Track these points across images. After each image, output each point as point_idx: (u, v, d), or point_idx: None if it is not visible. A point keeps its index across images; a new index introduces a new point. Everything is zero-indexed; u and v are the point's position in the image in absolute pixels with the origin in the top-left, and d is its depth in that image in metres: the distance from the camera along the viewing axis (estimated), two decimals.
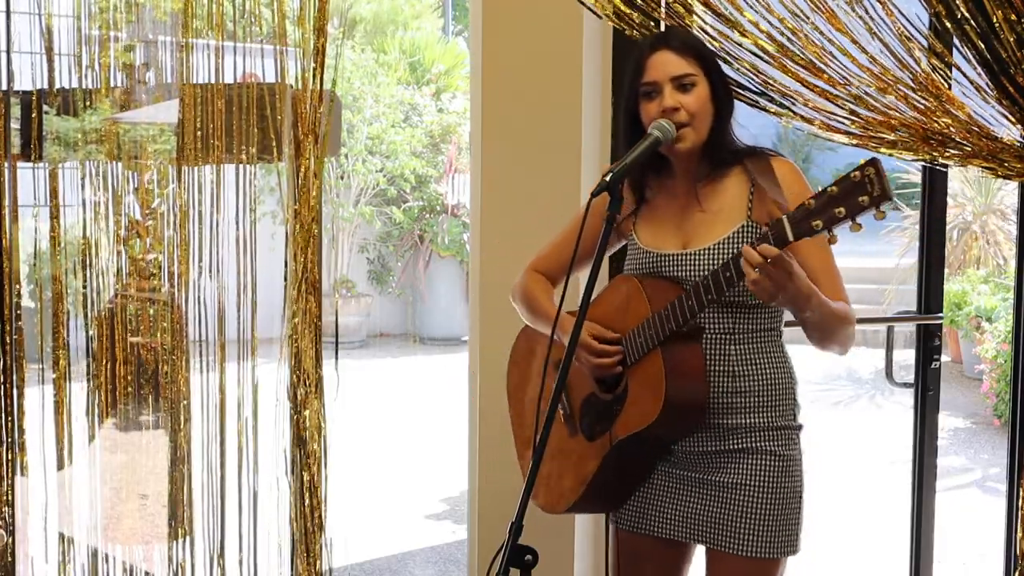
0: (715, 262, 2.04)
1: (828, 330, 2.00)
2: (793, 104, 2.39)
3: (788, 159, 2.10)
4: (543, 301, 2.26)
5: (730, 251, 2.03)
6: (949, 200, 3.89)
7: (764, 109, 2.43)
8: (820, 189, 1.78)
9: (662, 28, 2.47)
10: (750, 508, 2.06)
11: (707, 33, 2.40)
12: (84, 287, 2.77)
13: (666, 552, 2.18)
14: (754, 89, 2.41)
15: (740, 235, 2.05)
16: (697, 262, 2.06)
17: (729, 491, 2.07)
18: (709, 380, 2.05)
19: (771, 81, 2.38)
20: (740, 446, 2.07)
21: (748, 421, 2.07)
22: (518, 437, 2.36)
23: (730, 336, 2.06)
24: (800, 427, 2.13)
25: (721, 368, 2.06)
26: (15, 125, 2.68)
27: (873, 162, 1.72)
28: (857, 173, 1.72)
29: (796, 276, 1.86)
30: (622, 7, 2.48)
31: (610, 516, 2.24)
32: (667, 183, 2.15)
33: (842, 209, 1.73)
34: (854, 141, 2.37)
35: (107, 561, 2.86)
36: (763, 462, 2.06)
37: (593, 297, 1.94)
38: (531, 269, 2.33)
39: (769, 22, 2.34)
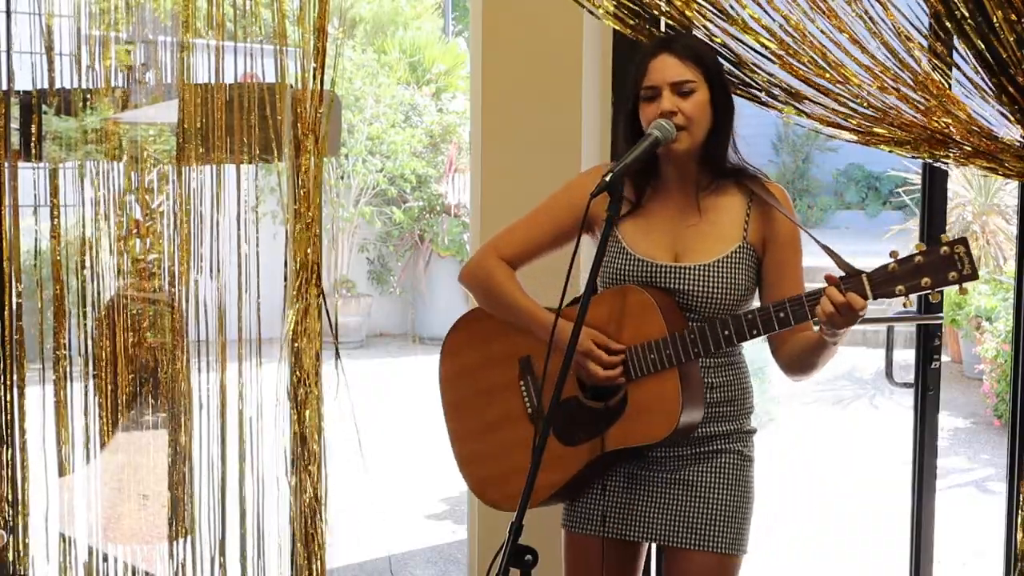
0: (712, 280, 2.06)
1: (822, 363, 2.06)
2: (794, 101, 2.39)
3: (778, 184, 2.18)
4: (513, 290, 2.19)
5: (728, 272, 2.07)
6: (949, 200, 3.88)
7: (767, 105, 2.42)
8: (903, 255, 1.87)
9: (661, 25, 2.47)
10: (717, 505, 2.10)
11: (707, 30, 2.39)
12: (84, 287, 2.77)
13: (619, 553, 2.19)
14: (757, 86, 2.41)
15: (737, 256, 2.08)
16: (694, 278, 2.07)
17: (697, 489, 2.11)
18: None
19: (773, 78, 2.37)
20: (709, 449, 2.12)
21: (719, 429, 2.12)
22: (462, 427, 2.30)
23: None
24: (754, 430, 2.20)
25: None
26: (15, 125, 2.68)
27: (963, 241, 1.83)
28: (947, 249, 1.83)
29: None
30: (620, 4, 2.48)
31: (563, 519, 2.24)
32: (660, 189, 2.15)
33: (928, 280, 1.84)
34: (855, 137, 2.37)
35: (107, 561, 2.86)
36: (731, 461, 2.13)
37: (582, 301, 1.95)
38: (493, 254, 2.24)
39: (771, 17, 2.33)
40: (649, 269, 2.09)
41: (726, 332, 1.99)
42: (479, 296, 2.25)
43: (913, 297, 1.91)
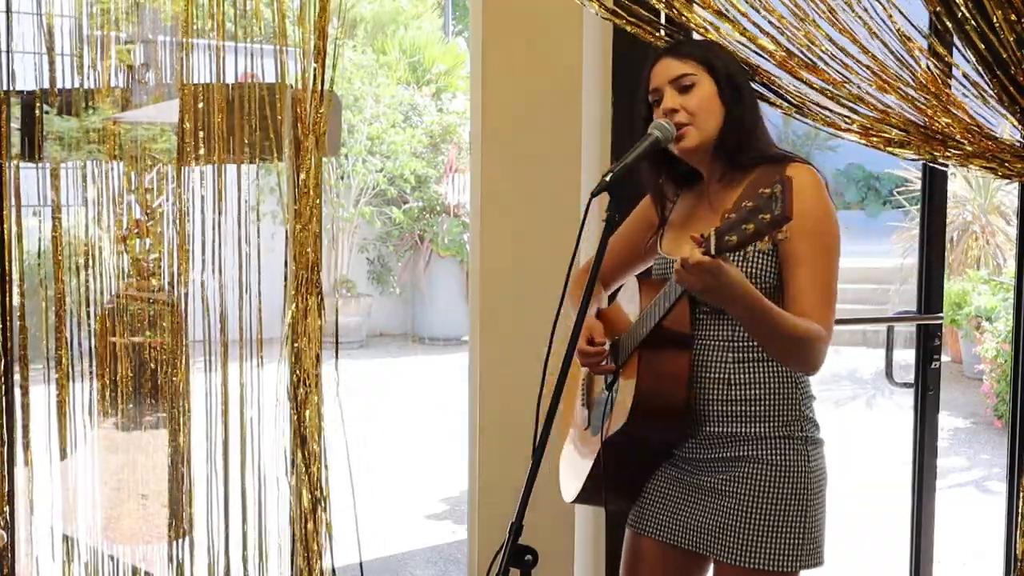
0: None
1: (774, 345, 1.95)
2: (794, 101, 2.39)
3: (810, 167, 1.99)
4: (577, 298, 2.26)
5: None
6: (949, 200, 3.89)
7: (768, 104, 2.42)
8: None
9: (662, 20, 2.48)
10: (745, 518, 2.03)
11: (706, 30, 2.40)
12: (85, 287, 2.77)
13: (672, 558, 2.16)
14: (757, 85, 2.41)
15: None
16: None
17: (726, 499, 2.05)
18: (694, 388, 2.03)
19: (773, 78, 2.38)
20: (737, 454, 2.04)
21: (745, 430, 2.04)
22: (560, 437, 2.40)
23: (727, 344, 2.04)
24: (807, 438, 2.06)
25: (717, 376, 2.04)
26: (16, 125, 2.68)
27: (783, 180, 1.61)
28: (768, 189, 1.62)
29: (725, 281, 1.79)
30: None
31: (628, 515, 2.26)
32: (697, 189, 2.15)
33: (751, 226, 1.64)
34: (856, 138, 2.38)
35: (109, 561, 2.86)
36: (758, 471, 2.03)
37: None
38: (579, 271, 2.29)
39: (769, 21, 2.34)
40: (664, 264, 2.14)
41: (656, 309, 1.97)
42: (571, 311, 2.32)
43: (758, 249, 1.73)
